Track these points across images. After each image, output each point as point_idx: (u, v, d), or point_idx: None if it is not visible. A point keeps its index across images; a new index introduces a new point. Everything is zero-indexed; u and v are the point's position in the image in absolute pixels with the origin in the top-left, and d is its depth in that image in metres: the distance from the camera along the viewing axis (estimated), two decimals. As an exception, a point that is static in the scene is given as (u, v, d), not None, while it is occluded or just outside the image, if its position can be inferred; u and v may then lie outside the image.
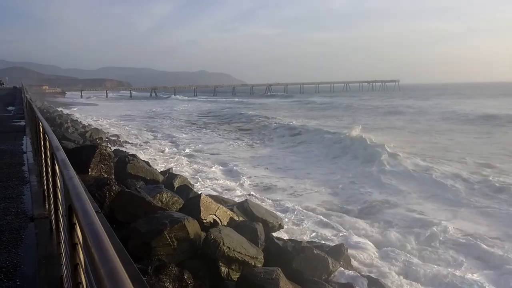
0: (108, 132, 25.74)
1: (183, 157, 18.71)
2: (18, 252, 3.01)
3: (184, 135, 29.18)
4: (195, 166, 16.95)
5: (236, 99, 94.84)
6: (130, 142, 22.80)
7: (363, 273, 7.41)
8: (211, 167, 16.89)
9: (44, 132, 3.20)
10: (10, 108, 24.31)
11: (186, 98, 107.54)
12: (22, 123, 13.95)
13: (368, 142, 20.38)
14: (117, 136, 24.40)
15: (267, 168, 17.41)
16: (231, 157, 19.74)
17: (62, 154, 1.91)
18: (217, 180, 14.43)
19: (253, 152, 21.90)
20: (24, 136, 9.77)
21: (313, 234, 9.02)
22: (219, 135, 30.03)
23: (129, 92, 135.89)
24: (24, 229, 3.46)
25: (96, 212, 3.36)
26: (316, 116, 44.35)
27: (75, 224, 1.21)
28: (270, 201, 11.73)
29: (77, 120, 32.55)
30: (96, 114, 43.87)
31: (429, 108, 48.40)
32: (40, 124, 3.81)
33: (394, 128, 31.34)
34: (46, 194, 3.43)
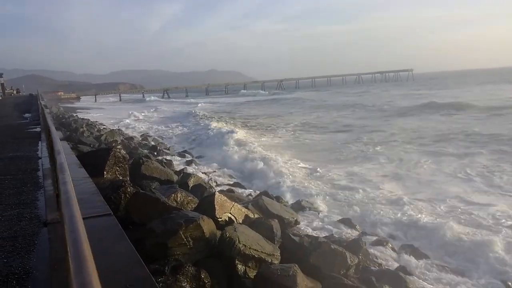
0: (122, 135, 26.01)
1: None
2: (30, 258, 3.01)
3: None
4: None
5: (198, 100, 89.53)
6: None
7: (383, 267, 7.29)
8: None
9: (51, 136, 3.20)
10: (26, 115, 24.73)
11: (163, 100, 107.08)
12: (38, 129, 14.14)
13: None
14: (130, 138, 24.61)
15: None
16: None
17: (61, 158, 1.88)
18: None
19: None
20: (39, 142, 9.89)
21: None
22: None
23: (141, 94, 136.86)
24: (37, 234, 3.47)
25: (106, 215, 3.34)
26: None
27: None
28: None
29: (92, 124, 32.97)
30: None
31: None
32: (49, 129, 3.82)
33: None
34: (58, 199, 3.43)
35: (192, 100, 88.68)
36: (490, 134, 21.52)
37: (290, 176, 14.18)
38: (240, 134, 25.44)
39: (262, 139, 25.11)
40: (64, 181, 1.38)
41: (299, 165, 16.38)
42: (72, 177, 5.11)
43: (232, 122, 36.52)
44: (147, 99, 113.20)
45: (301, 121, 34.63)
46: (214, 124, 31.48)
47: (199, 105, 68.77)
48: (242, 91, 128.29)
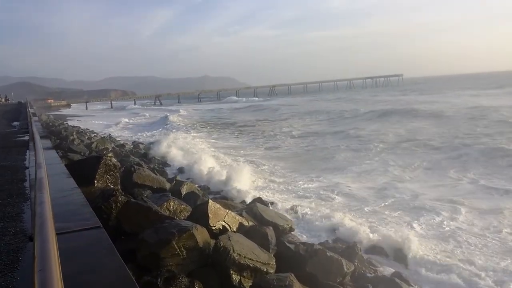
0: (114, 142, 25.68)
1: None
2: (14, 276, 2.84)
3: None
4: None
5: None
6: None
7: (378, 273, 7.21)
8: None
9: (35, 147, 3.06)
10: (15, 123, 24.30)
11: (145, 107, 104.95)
12: (26, 137, 13.86)
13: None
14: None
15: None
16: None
17: (41, 173, 1.76)
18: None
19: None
20: (27, 151, 9.66)
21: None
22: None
23: (133, 101, 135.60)
24: (22, 250, 3.29)
25: (94, 227, 3.19)
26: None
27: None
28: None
29: (82, 131, 32.57)
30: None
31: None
32: (34, 138, 3.67)
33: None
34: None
35: (178, 107, 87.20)
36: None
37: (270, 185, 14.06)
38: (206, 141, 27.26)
39: (218, 143, 26.17)
40: (41, 200, 1.26)
41: (288, 173, 16.29)
42: (60, 188, 4.94)
43: (208, 128, 39.26)
44: (128, 106, 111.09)
45: (287, 128, 34.39)
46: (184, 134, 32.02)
47: (181, 112, 66.03)
48: (230, 97, 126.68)
